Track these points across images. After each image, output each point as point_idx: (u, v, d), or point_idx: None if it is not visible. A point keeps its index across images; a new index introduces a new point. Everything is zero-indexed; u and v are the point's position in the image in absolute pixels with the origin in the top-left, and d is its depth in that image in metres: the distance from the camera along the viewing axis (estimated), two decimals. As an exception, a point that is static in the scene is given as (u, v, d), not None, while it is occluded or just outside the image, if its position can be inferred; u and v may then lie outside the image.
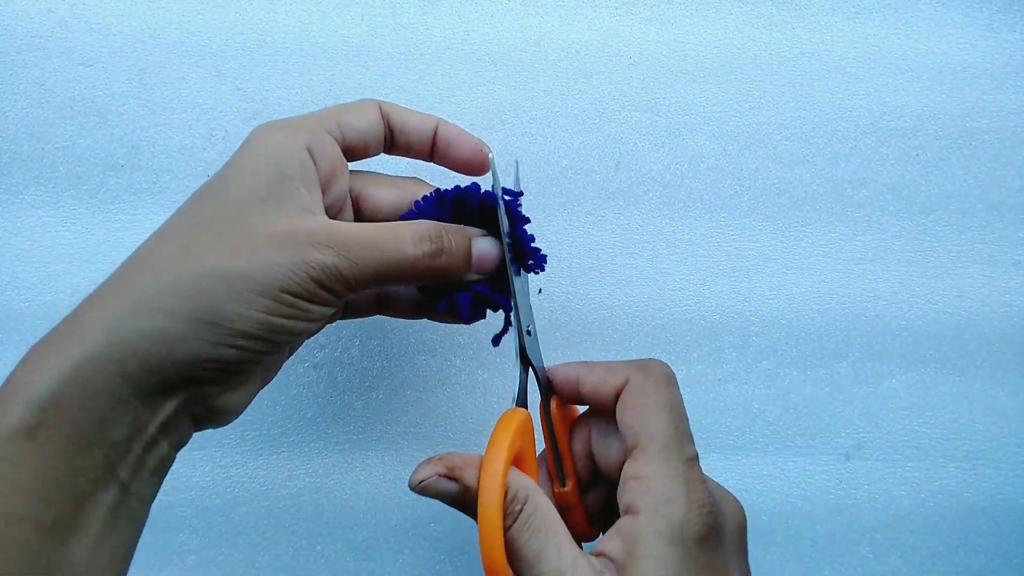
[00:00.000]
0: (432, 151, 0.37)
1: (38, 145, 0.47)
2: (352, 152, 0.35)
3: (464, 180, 0.37)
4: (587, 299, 0.48)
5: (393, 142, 0.36)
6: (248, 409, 0.46)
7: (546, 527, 0.30)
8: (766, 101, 0.50)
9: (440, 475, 0.31)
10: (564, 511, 0.37)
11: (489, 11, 0.49)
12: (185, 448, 0.46)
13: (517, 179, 0.38)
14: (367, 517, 0.46)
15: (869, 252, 0.49)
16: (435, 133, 0.37)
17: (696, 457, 0.32)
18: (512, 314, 0.37)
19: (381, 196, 0.36)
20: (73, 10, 0.47)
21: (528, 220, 0.36)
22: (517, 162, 0.40)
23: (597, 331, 0.48)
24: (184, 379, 0.29)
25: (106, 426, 0.27)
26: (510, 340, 0.37)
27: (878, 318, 0.49)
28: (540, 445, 0.37)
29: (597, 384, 0.35)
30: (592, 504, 0.38)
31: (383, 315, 0.40)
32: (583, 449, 0.37)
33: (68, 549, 0.26)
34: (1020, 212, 0.50)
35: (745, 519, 0.33)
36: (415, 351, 0.47)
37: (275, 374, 0.35)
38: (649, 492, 0.30)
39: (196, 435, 0.45)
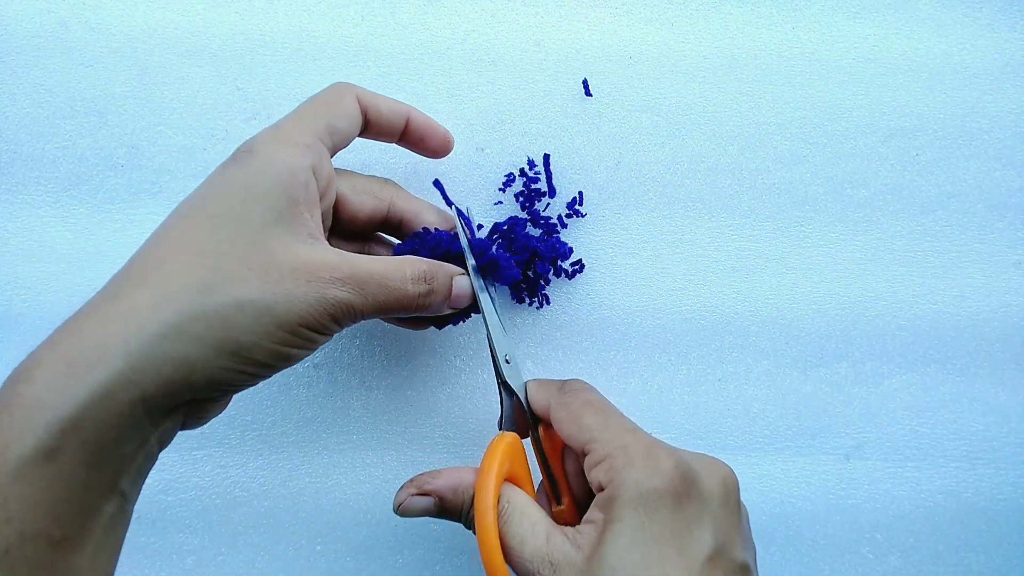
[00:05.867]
0: (401, 138, 0.40)
1: (38, 145, 0.47)
2: (334, 150, 0.37)
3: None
4: (587, 299, 0.48)
5: (366, 129, 0.38)
6: (248, 409, 0.46)
7: (521, 516, 0.33)
8: (766, 101, 0.50)
9: (413, 494, 0.36)
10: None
11: (489, 11, 0.49)
12: (185, 448, 0.46)
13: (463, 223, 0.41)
14: (367, 517, 0.46)
15: (869, 252, 0.49)
16: (407, 122, 0.39)
17: (636, 428, 0.35)
18: (489, 345, 0.40)
19: (359, 207, 0.39)
20: (73, 10, 0.47)
21: (488, 245, 0.40)
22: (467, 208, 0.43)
23: (597, 331, 0.48)
24: (191, 399, 0.30)
25: (119, 444, 0.28)
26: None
27: (878, 318, 0.49)
28: (534, 464, 0.38)
29: (542, 405, 0.38)
30: None
31: None
32: (575, 469, 0.38)
33: (73, 559, 0.27)
34: (1020, 212, 0.50)
35: (732, 479, 0.34)
36: (415, 351, 0.47)
37: None
38: (609, 468, 0.33)
39: (196, 435, 0.46)
